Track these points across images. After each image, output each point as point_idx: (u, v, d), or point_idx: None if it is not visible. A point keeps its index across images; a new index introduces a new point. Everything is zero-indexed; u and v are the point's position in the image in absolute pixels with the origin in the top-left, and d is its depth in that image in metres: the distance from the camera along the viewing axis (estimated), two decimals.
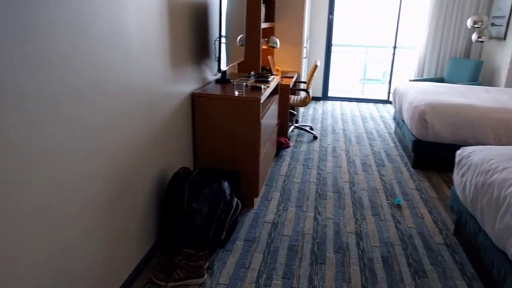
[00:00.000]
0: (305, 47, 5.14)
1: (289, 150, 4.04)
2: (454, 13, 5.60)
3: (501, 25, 5.09)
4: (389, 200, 3.00)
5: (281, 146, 3.86)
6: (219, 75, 3.15)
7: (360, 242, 2.42)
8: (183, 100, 2.44)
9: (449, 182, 3.35)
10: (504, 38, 5.01)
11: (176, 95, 2.33)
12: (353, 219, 2.70)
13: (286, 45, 4.77)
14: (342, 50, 7.91)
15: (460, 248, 2.38)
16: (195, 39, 2.58)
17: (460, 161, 2.34)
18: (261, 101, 2.54)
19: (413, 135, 3.57)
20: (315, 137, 4.47)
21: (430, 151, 3.49)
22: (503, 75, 4.98)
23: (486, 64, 5.50)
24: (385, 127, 5.05)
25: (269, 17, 4.54)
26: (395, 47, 6.25)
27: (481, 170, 2.03)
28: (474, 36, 5.20)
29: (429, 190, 3.19)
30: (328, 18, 6.15)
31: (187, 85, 2.50)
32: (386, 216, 2.75)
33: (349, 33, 8.69)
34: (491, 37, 5.16)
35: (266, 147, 2.95)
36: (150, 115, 1.98)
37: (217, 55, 2.65)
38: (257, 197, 2.80)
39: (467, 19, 5.57)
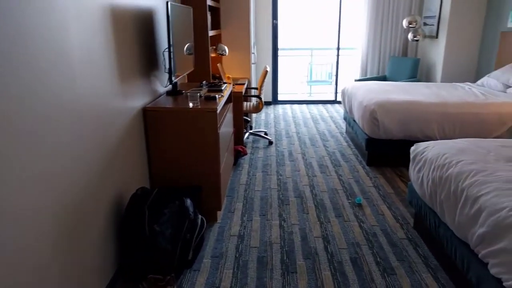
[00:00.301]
0: (253, 53, 5.13)
1: (246, 157, 3.99)
2: (390, 15, 5.89)
3: (432, 25, 5.43)
4: (350, 200, 3.05)
5: (238, 154, 3.80)
6: (170, 87, 3.03)
7: (328, 246, 2.42)
8: (134, 115, 2.30)
9: (402, 177, 3.48)
10: (437, 37, 5.35)
11: (127, 111, 2.18)
12: (318, 222, 2.71)
13: (234, 51, 4.73)
14: (288, 54, 8.04)
15: (422, 241, 2.46)
16: (142, 50, 2.45)
17: (415, 157, 2.42)
18: (218, 111, 2.46)
19: (365, 133, 3.68)
20: (270, 142, 4.46)
21: (382, 148, 3.61)
22: (439, 71, 5.31)
23: (423, 61, 5.84)
24: (336, 127, 5.17)
25: (215, 25, 4.48)
26: (338, 49, 6.44)
27: (436, 165, 2.11)
28: (410, 36, 5.50)
29: (385, 186, 3.29)
30: (273, 23, 6.21)
31: (138, 100, 2.37)
32: (349, 216, 2.78)
33: (294, 37, 8.86)
34: (425, 36, 5.49)
35: (225, 157, 2.88)
36: (100, 135, 1.84)
37: (168, 66, 2.54)
38: (220, 210, 2.71)
39: (402, 20, 5.89)
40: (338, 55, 6.49)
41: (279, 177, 3.50)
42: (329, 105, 6.60)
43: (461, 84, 4.40)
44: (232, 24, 4.66)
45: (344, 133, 4.85)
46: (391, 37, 6.00)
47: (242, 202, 3.01)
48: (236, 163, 3.81)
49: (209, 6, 3.74)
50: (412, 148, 2.50)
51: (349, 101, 4.31)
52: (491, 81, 4.12)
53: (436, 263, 2.24)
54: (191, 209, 2.03)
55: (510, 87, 3.82)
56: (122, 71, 2.11)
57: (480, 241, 1.67)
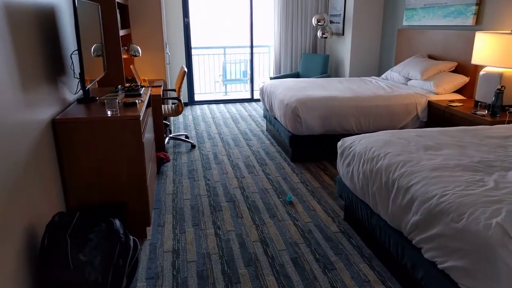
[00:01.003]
0: (167, 53, 4.89)
1: (169, 164, 3.78)
2: (299, 13, 6.09)
3: (338, 23, 5.75)
4: (281, 198, 3.05)
5: (161, 161, 3.58)
6: (81, 93, 2.70)
7: (267, 249, 2.38)
8: (42, 130, 1.99)
9: (326, 170, 3.60)
10: (343, 34, 5.68)
11: (33, 124, 1.87)
12: (254, 226, 2.65)
13: (147, 52, 4.45)
14: (202, 53, 7.87)
15: (354, 232, 2.56)
16: (47, 53, 2.12)
17: (343, 152, 2.49)
18: (141, 118, 2.25)
19: (288, 131, 3.73)
20: (193, 146, 4.30)
21: (305, 144, 3.70)
22: (347, 66, 5.64)
23: (332, 57, 6.16)
24: (257, 125, 5.19)
25: (125, 24, 4.15)
26: (252, 47, 6.48)
27: (366, 159, 2.20)
28: (319, 33, 5.75)
29: (312, 181, 3.37)
30: (184, 21, 6.00)
31: (45, 110, 2.05)
32: (283, 216, 2.78)
33: (206, 35, 8.71)
34: (332, 34, 5.78)
35: (150, 167, 2.67)
36: (1, 157, 1.53)
37: (78, 70, 2.25)
38: (149, 226, 2.50)
39: (311, 17, 6.13)
40: (252, 53, 6.53)
41: (207, 182, 3.37)
42: (246, 104, 6.61)
43: (369, 78, 4.71)
44: (143, 22, 4.37)
45: (265, 131, 4.89)
46: (301, 34, 6.21)
47: (171, 214, 2.82)
48: (159, 171, 3.58)
49: (117, 3, 3.44)
50: (339, 143, 2.58)
51: (269, 99, 4.34)
52: (394, 74, 4.48)
53: (369, 252, 2.34)
54: (121, 231, 1.81)
55: (410, 79, 4.20)
56: (24, 78, 1.79)
57: (414, 228, 1.76)
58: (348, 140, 2.50)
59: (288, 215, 2.79)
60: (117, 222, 1.84)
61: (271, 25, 6.23)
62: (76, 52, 2.30)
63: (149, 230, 2.59)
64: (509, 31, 3.15)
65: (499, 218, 1.41)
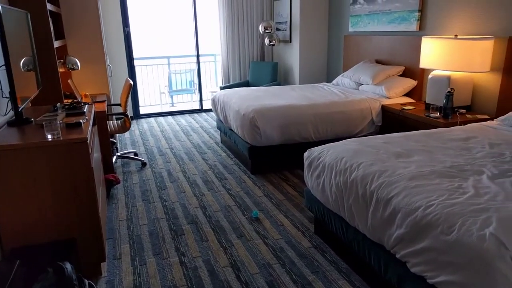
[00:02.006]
0: (109, 65, 4.53)
1: (120, 186, 3.46)
2: (245, 20, 6.00)
3: (285, 30, 5.74)
4: (246, 215, 2.88)
5: (110, 184, 3.25)
6: (12, 114, 2.34)
7: (240, 274, 2.19)
8: None
9: (288, 181, 3.49)
10: (290, 41, 5.67)
11: None
12: (221, 249, 2.45)
13: (87, 64, 4.08)
14: (145, 63, 7.49)
15: (327, 246, 2.45)
16: None
17: (311, 163, 2.39)
18: (88, 140, 1.97)
19: (247, 142, 3.58)
20: (143, 164, 3.99)
21: (265, 155, 3.58)
22: (296, 73, 5.63)
23: (280, 65, 6.13)
24: (210, 137, 4.98)
25: (59, 34, 3.76)
26: (198, 56, 6.27)
27: (338, 170, 2.10)
28: (266, 41, 5.69)
29: (275, 193, 3.24)
30: (124, 30, 5.64)
31: None
32: (251, 234, 2.61)
33: (150, 45, 8.32)
34: (280, 41, 5.76)
35: (100, 193, 2.37)
36: None
37: (7, 88, 1.92)
38: (104, 261, 2.20)
39: (256, 25, 6.06)
40: (198, 63, 6.32)
41: (164, 203, 3.11)
42: (196, 115, 6.37)
43: (320, 85, 4.72)
44: (79, 32, 4.00)
45: (220, 143, 4.70)
46: (249, 42, 6.12)
47: (128, 243, 2.54)
48: (109, 195, 3.25)
49: (49, 11, 3.08)
50: (306, 154, 2.47)
51: (223, 110, 4.16)
52: (345, 80, 4.52)
53: (346, 267, 2.24)
54: (74, 276, 1.53)
55: (361, 84, 4.25)
56: None
57: (398, 242, 1.68)
58: (315, 151, 2.40)
59: (257, 233, 2.63)
60: (68, 266, 1.56)
61: (217, 33, 6.07)
62: (3, 66, 1.97)
63: (104, 265, 2.29)
64: (453, 36, 3.28)
65: (492, 228, 1.36)
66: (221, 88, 5.69)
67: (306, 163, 2.45)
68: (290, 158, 3.72)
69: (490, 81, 3.21)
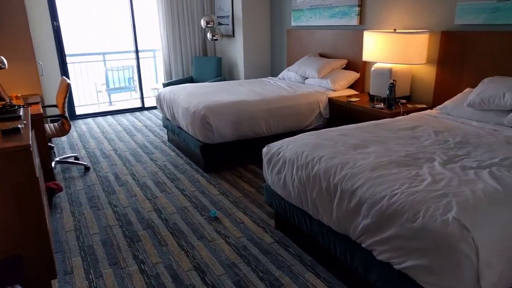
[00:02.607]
0: (39, 63, 4.15)
1: (62, 194, 3.19)
2: (185, 15, 5.83)
3: (227, 24, 5.67)
4: (204, 215, 2.81)
5: (52, 192, 2.98)
6: None
7: (205, 277, 2.13)
8: None
9: (243, 177, 3.47)
10: (233, 36, 5.62)
11: None
12: (183, 252, 2.36)
13: (15, 62, 3.69)
14: (79, 60, 6.99)
15: (289, 240, 2.47)
16: None
17: (270, 159, 2.38)
18: (31, 147, 1.78)
19: (198, 140, 3.49)
20: (86, 168, 3.73)
21: (218, 152, 3.51)
22: (241, 68, 5.60)
23: (224, 60, 6.06)
24: (156, 136, 4.79)
25: None
26: (137, 51, 5.98)
27: (300, 165, 2.11)
28: (209, 35, 5.59)
29: (231, 191, 3.20)
30: (53, 25, 5.20)
31: None
32: (212, 235, 2.55)
33: (83, 41, 7.76)
34: (222, 35, 5.68)
35: (45, 203, 2.16)
36: None
37: None
38: (55, 277, 2.02)
39: (197, 19, 5.92)
40: (137, 59, 6.03)
41: (115, 209, 2.93)
42: (138, 113, 6.09)
43: (266, 79, 4.74)
44: (4, 27, 3.60)
45: (168, 142, 4.54)
46: (190, 37, 5.96)
47: (79, 256, 2.35)
48: (51, 204, 2.99)
49: None
50: (265, 150, 2.45)
51: (170, 108, 4.01)
52: (290, 74, 4.58)
53: (310, 259, 2.27)
54: None
55: (307, 78, 4.34)
56: None
57: (364, 231, 1.73)
58: (274, 146, 2.40)
59: (217, 233, 2.57)
60: None
61: (156, 28, 5.84)
62: None
63: (55, 283, 2.09)
64: (392, 30, 3.45)
65: (453, 212, 1.45)
66: (164, 85, 5.49)
67: (265, 159, 2.43)
68: (243, 154, 3.69)
69: (427, 73, 3.44)
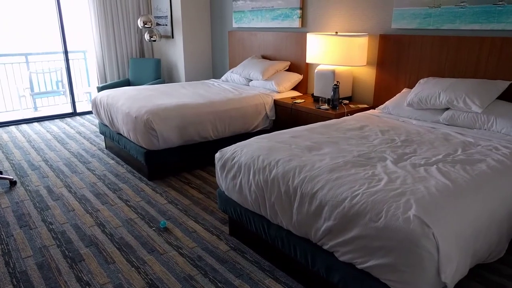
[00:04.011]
0: None
1: None
2: (120, 14, 5.52)
3: (166, 25, 5.47)
4: (153, 227, 2.64)
5: None
6: None
7: None
8: None
9: (191, 183, 3.34)
10: (172, 37, 5.43)
11: None
12: (133, 269, 2.19)
13: None
14: None
15: (245, 246, 2.41)
16: None
17: (224, 164, 2.29)
18: None
19: (141, 147, 3.29)
20: (13, 182, 3.34)
21: (162, 159, 3.34)
22: (181, 70, 5.44)
23: (163, 62, 5.83)
24: (92, 143, 4.45)
25: None
26: (66, 52, 5.53)
27: (257, 169, 2.06)
28: (146, 36, 5.35)
29: (180, 198, 3.06)
30: None
31: None
32: (164, 247, 2.40)
33: (3, 40, 6.99)
34: (161, 36, 5.47)
35: None
36: None
37: None
38: None
39: (133, 19, 5.63)
40: (67, 60, 5.57)
41: (51, 227, 2.65)
42: (69, 119, 5.63)
43: (209, 81, 4.63)
44: None
45: (105, 149, 4.24)
46: (126, 38, 5.65)
47: (11, 284, 2.07)
48: None
49: None
50: (217, 155, 2.36)
51: (107, 113, 3.75)
52: (234, 76, 4.53)
53: (269, 264, 2.23)
54: None
55: (251, 80, 4.31)
56: None
57: (326, 234, 1.72)
58: (227, 151, 2.32)
59: (169, 245, 2.43)
60: None
61: (88, 27, 5.45)
62: None
63: None
64: (334, 33, 3.55)
65: (413, 210, 1.48)
66: (99, 89, 5.14)
67: (218, 165, 2.34)
68: (190, 160, 3.56)
69: (367, 74, 3.58)
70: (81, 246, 2.41)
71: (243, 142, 2.38)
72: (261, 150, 2.17)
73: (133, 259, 2.28)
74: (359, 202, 1.60)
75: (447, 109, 2.73)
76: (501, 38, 2.64)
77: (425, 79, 2.95)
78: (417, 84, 2.94)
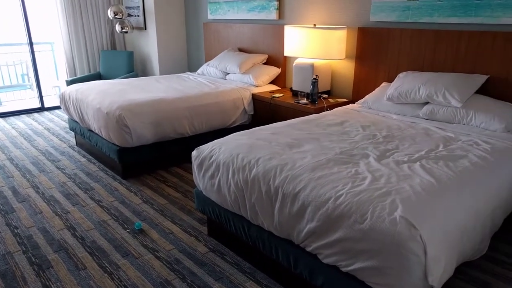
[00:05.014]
0: None
1: None
2: (89, 4, 5.26)
3: (138, 16, 5.26)
4: (127, 229, 2.52)
5: None
6: None
7: None
8: None
9: (167, 181, 3.21)
10: (145, 28, 5.23)
11: None
12: (106, 275, 2.07)
13: None
14: None
15: (225, 247, 2.32)
16: None
17: (201, 163, 2.19)
18: None
19: (114, 144, 3.13)
20: None
21: (137, 156, 3.20)
22: (155, 63, 5.25)
23: (136, 54, 5.62)
24: (61, 140, 4.24)
25: None
26: (31, 44, 5.23)
27: (236, 168, 1.97)
28: (117, 27, 5.13)
29: (156, 198, 2.94)
30: None
31: None
32: (139, 250, 2.29)
33: None
34: (133, 28, 5.26)
35: None
36: None
37: None
38: None
39: (103, 10, 5.39)
40: (32, 52, 5.28)
41: (16, 231, 2.48)
42: (36, 115, 5.35)
43: (185, 75, 4.48)
44: None
45: (76, 146, 4.04)
46: (96, 29, 5.40)
47: None
48: None
49: None
50: (194, 153, 2.26)
51: (77, 109, 3.55)
52: (210, 69, 4.40)
53: (249, 266, 2.16)
54: None
55: (228, 73, 4.20)
56: None
57: (309, 235, 1.66)
58: (204, 149, 2.21)
59: (145, 248, 2.31)
60: None
61: (55, 17, 5.17)
62: None
63: None
64: (312, 25, 3.48)
65: (399, 211, 1.43)
66: (68, 82, 4.89)
67: (195, 163, 2.24)
68: (165, 157, 3.43)
69: (346, 68, 3.53)
70: (49, 251, 2.27)
71: (221, 139, 2.28)
72: (240, 148, 2.08)
73: (106, 264, 2.15)
74: (343, 202, 1.54)
75: (427, 103, 2.71)
76: (479, 32, 2.64)
77: (404, 73, 2.93)
78: (396, 78, 2.92)
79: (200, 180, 2.24)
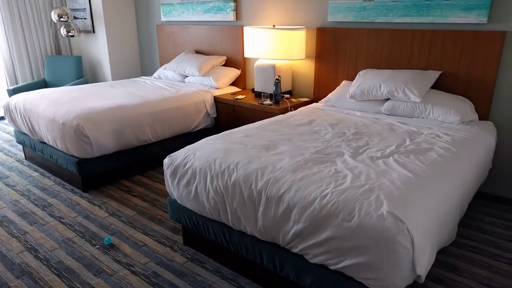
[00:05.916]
0: None
1: None
2: (28, 6, 4.90)
3: (85, 18, 4.99)
4: (96, 245, 2.37)
5: None
6: None
7: None
8: None
9: (132, 191, 3.08)
10: (94, 32, 4.98)
11: None
12: None
13: None
14: None
15: (203, 255, 2.27)
16: None
17: (175, 171, 2.12)
18: None
19: (72, 156, 2.95)
20: None
21: (98, 167, 3.03)
22: (107, 68, 5.02)
23: (84, 59, 5.33)
24: (7, 155, 3.91)
25: None
26: None
27: (214, 174, 1.92)
28: (63, 31, 4.84)
29: (122, 209, 2.80)
30: None
31: None
32: (112, 267, 2.16)
33: None
34: (80, 31, 4.99)
35: None
36: None
37: None
38: None
39: (45, 12, 5.05)
40: None
41: None
42: None
43: (140, 79, 4.33)
44: None
45: (25, 160, 3.74)
46: (38, 33, 5.04)
47: None
48: None
49: None
50: (166, 161, 2.18)
51: (26, 120, 3.29)
52: (168, 72, 4.28)
53: (231, 272, 2.12)
54: None
55: (187, 76, 4.11)
56: None
57: (296, 237, 1.66)
58: (178, 156, 2.14)
59: (118, 263, 2.19)
60: None
61: None
62: None
63: None
64: (271, 26, 3.50)
65: (385, 206, 1.48)
66: (11, 92, 4.52)
67: (168, 172, 2.16)
68: (127, 166, 3.28)
69: (306, 67, 3.60)
70: (10, 277, 2.08)
71: (193, 144, 2.22)
72: (216, 153, 2.04)
73: (78, 285, 2.01)
74: (329, 202, 1.56)
75: (387, 99, 2.83)
76: (430, 31, 2.80)
77: (364, 71, 3.04)
78: (357, 76, 3.01)
79: (174, 188, 2.16)
